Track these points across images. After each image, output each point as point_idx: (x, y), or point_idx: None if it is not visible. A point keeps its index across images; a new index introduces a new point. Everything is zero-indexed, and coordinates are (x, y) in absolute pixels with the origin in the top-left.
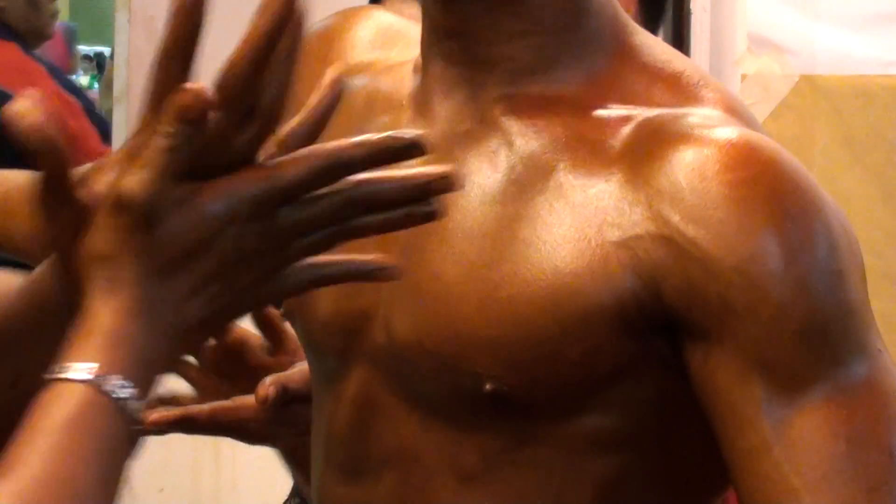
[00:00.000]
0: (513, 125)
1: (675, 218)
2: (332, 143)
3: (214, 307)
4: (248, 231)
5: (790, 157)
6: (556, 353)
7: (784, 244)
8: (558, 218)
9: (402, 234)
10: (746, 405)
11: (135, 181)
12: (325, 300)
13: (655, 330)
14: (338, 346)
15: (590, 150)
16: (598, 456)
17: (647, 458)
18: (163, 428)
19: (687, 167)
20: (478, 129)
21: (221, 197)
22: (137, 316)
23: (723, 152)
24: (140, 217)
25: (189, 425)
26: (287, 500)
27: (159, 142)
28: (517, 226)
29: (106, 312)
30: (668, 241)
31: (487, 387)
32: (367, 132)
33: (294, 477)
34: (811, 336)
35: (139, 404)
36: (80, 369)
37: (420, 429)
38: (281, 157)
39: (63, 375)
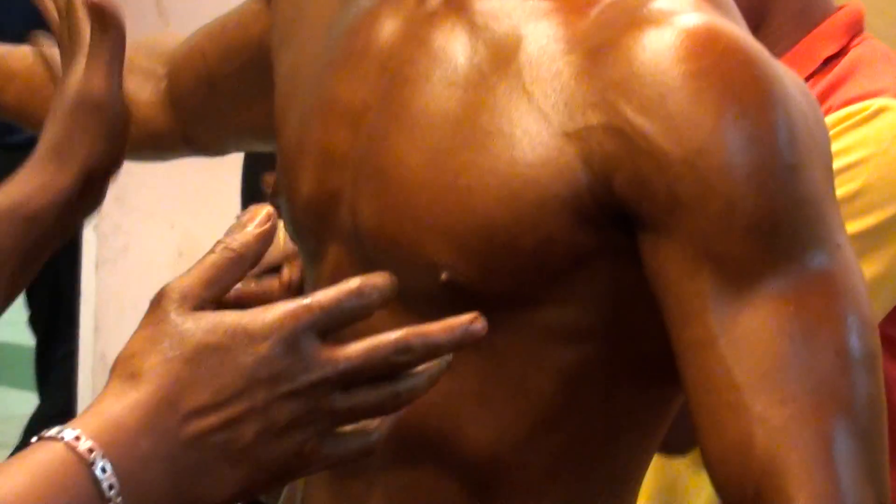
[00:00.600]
0: (477, 6)
1: (628, 109)
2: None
3: (236, 465)
4: (293, 402)
5: (755, 46)
6: (510, 244)
7: (735, 138)
8: (517, 108)
9: (369, 118)
10: (694, 298)
11: (178, 280)
12: (307, 181)
13: (610, 221)
14: (313, 227)
15: (553, 35)
16: (559, 347)
17: (609, 350)
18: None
19: (642, 57)
20: (443, 9)
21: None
22: (144, 416)
23: (681, 41)
24: (166, 307)
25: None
26: None
27: (214, 255)
28: (478, 113)
29: (114, 402)
30: (620, 132)
31: (443, 276)
32: (345, 14)
33: None
34: (761, 231)
35: (114, 493)
36: (69, 433)
37: (385, 313)
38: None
39: (50, 434)
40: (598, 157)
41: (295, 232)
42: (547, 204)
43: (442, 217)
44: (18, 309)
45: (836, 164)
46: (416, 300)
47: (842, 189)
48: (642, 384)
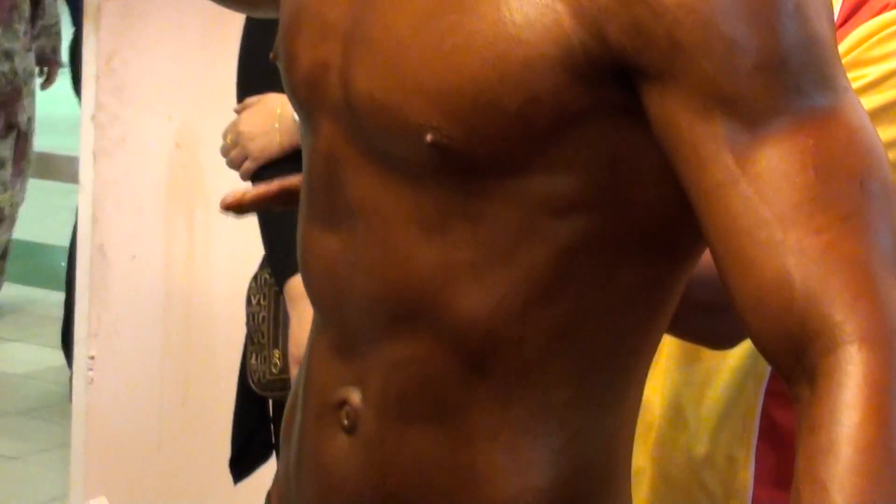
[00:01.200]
0: None
1: None
2: None
3: None
4: None
5: None
6: (494, 104)
7: None
8: None
9: None
10: (709, 142)
11: None
12: (302, 51)
13: (605, 78)
14: (308, 98)
15: None
16: (552, 218)
17: (604, 223)
18: (241, 207)
19: None
20: None
21: None
22: None
23: None
24: None
25: (262, 202)
26: (258, 270)
27: None
28: None
29: None
30: None
31: (428, 137)
32: None
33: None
34: (769, 68)
35: None
36: None
37: (378, 181)
38: None
39: None
40: (589, 11)
41: (294, 103)
42: (533, 64)
43: (428, 79)
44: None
45: (878, 69)
46: (405, 166)
47: (884, 95)
48: (638, 259)
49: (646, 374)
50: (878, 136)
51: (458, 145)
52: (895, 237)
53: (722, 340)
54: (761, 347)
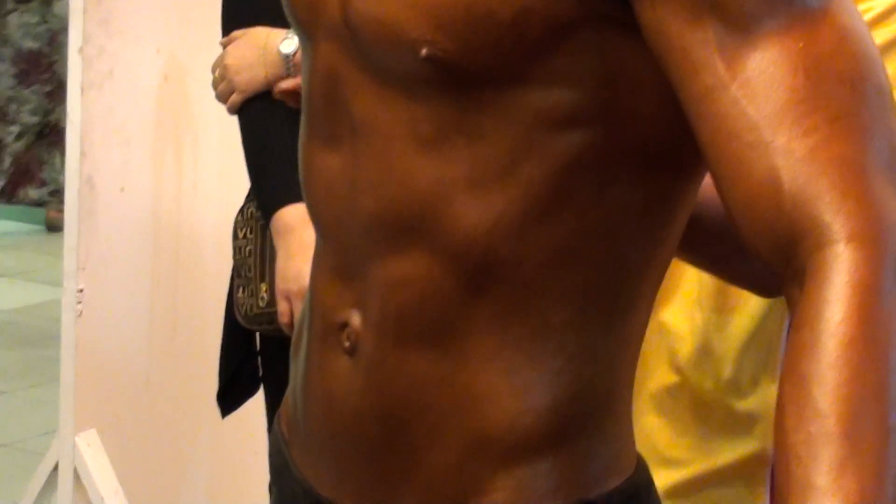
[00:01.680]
0: None
1: None
2: None
3: None
4: None
5: None
6: (488, 15)
7: None
8: None
9: None
10: (699, 47)
11: None
12: None
13: None
14: (307, 19)
15: None
16: (549, 133)
17: (602, 137)
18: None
19: None
20: None
21: None
22: None
23: None
24: None
25: None
26: (244, 203)
27: None
28: None
29: None
30: None
31: (423, 52)
32: None
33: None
34: None
35: None
36: None
37: (377, 98)
38: None
39: None
40: None
41: (293, 24)
42: None
43: None
44: None
45: (885, 1)
46: (402, 82)
47: (891, 29)
48: (639, 177)
49: (653, 298)
50: (872, 39)
51: (452, 58)
52: (889, 138)
53: (771, 287)
54: (754, 251)
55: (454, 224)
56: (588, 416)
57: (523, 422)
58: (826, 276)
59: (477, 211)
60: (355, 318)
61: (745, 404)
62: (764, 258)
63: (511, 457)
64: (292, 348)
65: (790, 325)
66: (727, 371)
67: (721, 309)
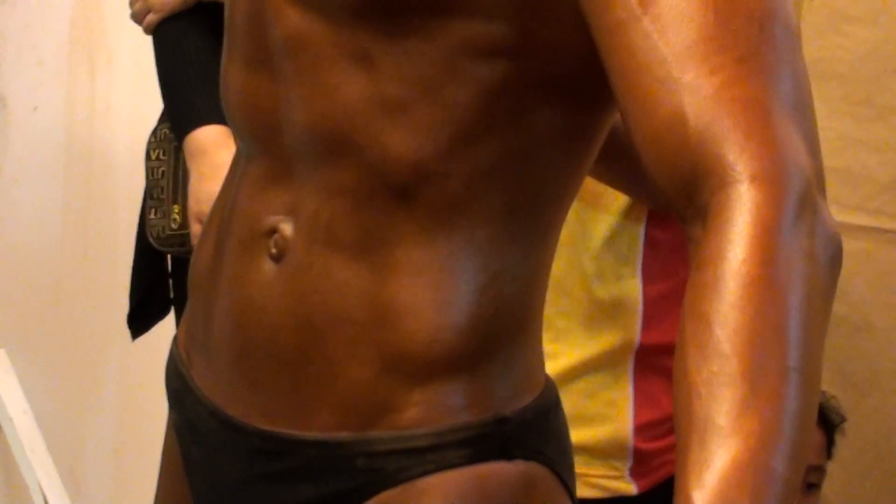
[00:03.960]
0: None
1: None
2: None
3: None
4: None
5: None
6: None
7: None
8: None
9: None
10: None
11: None
12: None
13: None
14: None
15: None
16: (473, 61)
17: (522, 67)
18: None
19: None
20: None
21: None
22: None
23: None
24: None
25: None
26: (157, 125)
27: None
28: None
29: None
30: None
31: None
32: None
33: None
34: None
35: None
36: None
37: (302, 20)
38: None
39: None
40: None
41: None
42: None
43: None
44: None
45: None
46: (327, 7)
47: None
48: (557, 106)
49: (562, 222)
50: None
51: None
52: (795, 79)
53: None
54: (658, 187)
55: (384, 140)
56: (505, 335)
57: (444, 337)
58: (728, 216)
59: (405, 128)
60: (285, 225)
61: (608, 296)
62: (667, 195)
63: (428, 372)
64: (191, 270)
65: (692, 264)
66: (591, 264)
67: (595, 205)
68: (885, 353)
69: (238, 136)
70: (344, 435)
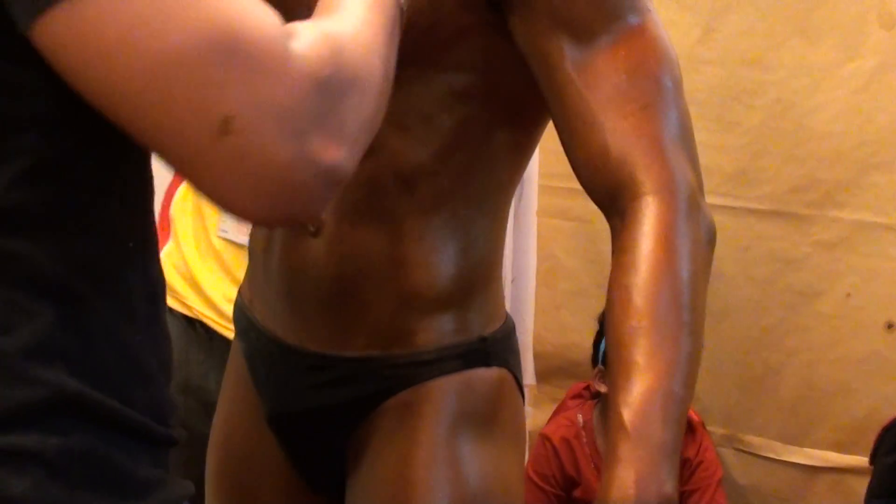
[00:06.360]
0: None
1: None
2: None
3: None
4: None
5: None
6: (410, 26)
7: None
8: None
9: None
10: (555, 53)
11: None
12: None
13: (489, 6)
14: None
15: None
16: (455, 99)
17: (487, 105)
18: None
19: None
20: None
21: None
22: None
23: None
24: None
25: None
26: None
27: None
28: None
29: None
30: None
31: None
32: None
33: None
34: (596, 1)
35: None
36: None
37: None
38: None
39: None
40: None
41: None
42: (441, 1)
43: None
44: None
45: None
46: None
47: None
48: (511, 128)
49: (511, 203)
50: (670, 44)
51: None
52: (680, 117)
53: None
54: (589, 193)
55: (394, 150)
56: (480, 280)
57: (440, 284)
58: (639, 217)
59: (407, 141)
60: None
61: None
62: (596, 199)
63: (431, 308)
64: (251, 244)
65: (614, 249)
66: None
67: None
68: (732, 293)
69: None
70: (373, 352)
